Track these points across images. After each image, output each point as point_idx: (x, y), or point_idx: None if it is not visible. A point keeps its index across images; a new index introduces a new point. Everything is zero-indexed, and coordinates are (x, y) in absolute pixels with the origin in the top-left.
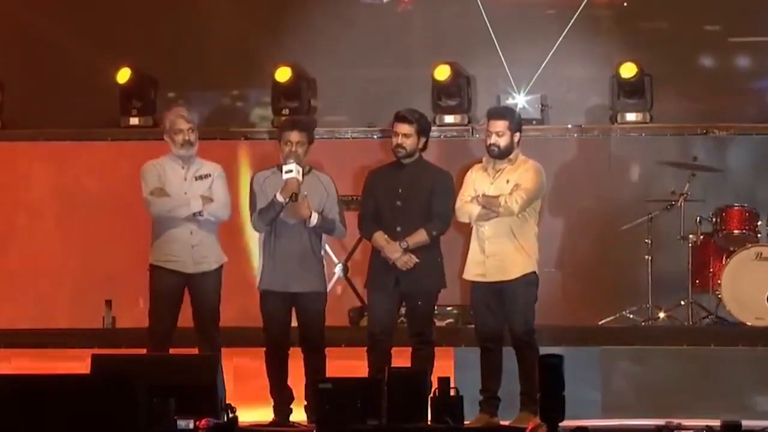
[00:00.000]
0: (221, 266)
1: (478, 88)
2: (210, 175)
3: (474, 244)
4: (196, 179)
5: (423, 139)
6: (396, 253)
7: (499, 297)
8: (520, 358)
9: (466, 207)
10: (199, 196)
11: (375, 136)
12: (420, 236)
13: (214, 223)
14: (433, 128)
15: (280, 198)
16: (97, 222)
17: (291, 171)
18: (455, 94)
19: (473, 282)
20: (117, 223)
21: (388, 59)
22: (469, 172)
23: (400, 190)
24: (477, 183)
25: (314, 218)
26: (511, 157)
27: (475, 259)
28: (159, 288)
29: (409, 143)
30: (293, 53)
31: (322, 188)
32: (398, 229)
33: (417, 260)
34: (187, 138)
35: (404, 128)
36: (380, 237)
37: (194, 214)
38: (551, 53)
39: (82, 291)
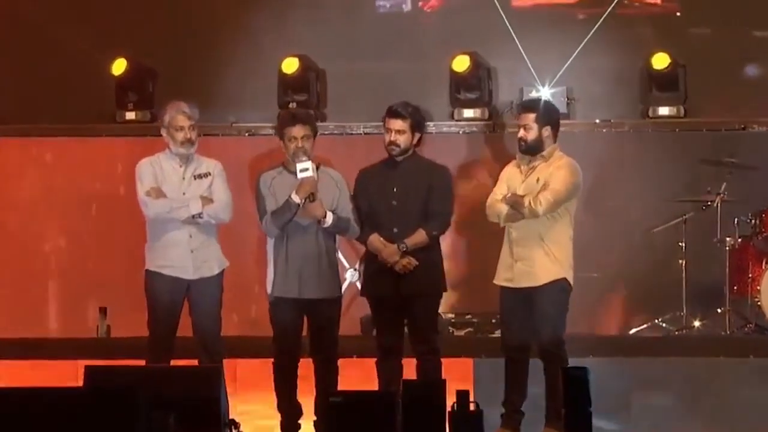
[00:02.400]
0: (223, 271)
1: (499, 81)
2: (210, 174)
3: (505, 247)
4: (195, 178)
5: (417, 135)
6: (394, 256)
7: (527, 304)
8: (546, 370)
9: (496, 206)
10: (199, 197)
11: None
12: (419, 237)
13: (214, 224)
14: (451, 123)
15: (296, 199)
16: (91, 223)
17: (307, 169)
18: (475, 86)
19: (502, 287)
20: (112, 224)
21: (404, 49)
22: (505, 168)
23: (395, 189)
24: (510, 180)
25: (329, 218)
26: (544, 153)
27: (505, 263)
28: (158, 296)
29: (403, 140)
30: (301, 43)
31: (334, 185)
32: (395, 230)
33: (416, 263)
34: (188, 136)
35: (397, 124)
36: (376, 240)
37: (193, 216)
38: (582, 45)
39: (75, 297)
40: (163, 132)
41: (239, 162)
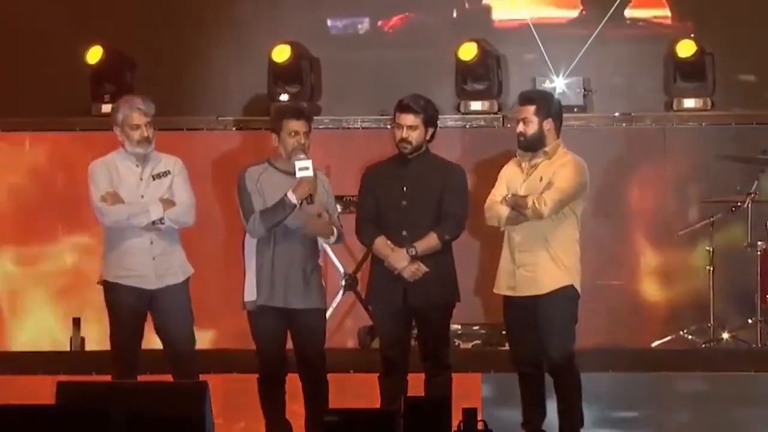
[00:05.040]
0: (188, 278)
1: (510, 70)
2: (169, 172)
3: (505, 253)
4: (153, 178)
5: (431, 130)
6: (402, 261)
7: (533, 314)
8: (556, 385)
9: (495, 208)
10: (159, 200)
11: (389, 126)
12: (430, 241)
13: (176, 229)
14: (457, 116)
15: (292, 199)
16: (63, 225)
17: (307, 168)
18: (483, 76)
19: (505, 296)
20: (87, 226)
21: (405, 36)
22: (504, 168)
23: (405, 189)
24: (510, 180)
25: (335, 234)
26: (547, 149)
27: (506, 270)
28: (119, 308)
29: (415, 136)
30: (293, 29)
31: (322, 188)
32: (404, 233)
33: (426, 269)
34: (145, 134)
35: (409, 119)
36: (382, 243)
37: (154, 222)
38: (597, 30)
39: (46, 306)
40: (117, 131)
41: (226, 159)
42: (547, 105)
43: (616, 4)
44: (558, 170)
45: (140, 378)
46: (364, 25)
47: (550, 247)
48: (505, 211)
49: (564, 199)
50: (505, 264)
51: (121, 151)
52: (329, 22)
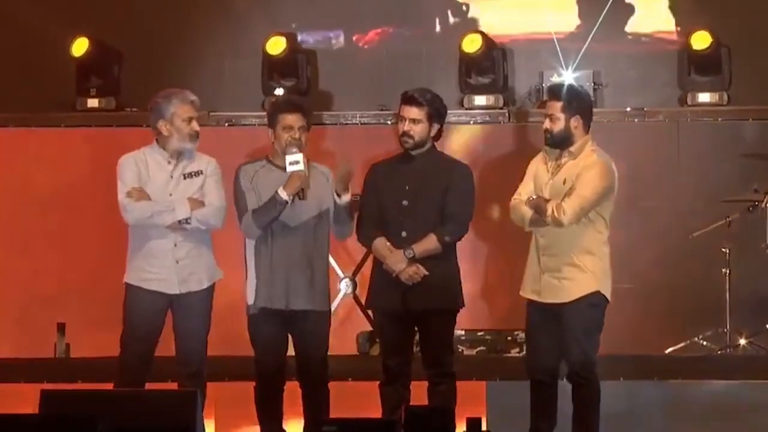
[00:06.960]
0: (213, 285)
1: (516, 63)
2: (202, 172)
3: (531, 255)
4: (184, 177)
5: (436, 126)
6: (400, 263)
7: (556, 321)
8: (575, 395)
9: (520, 208)
10: (187, 199)
11: (389, 122)
12: (429, 243)
13: (205, 231)
14: (461, 111)
15: (283, 195)
16: (48, 226)
17: (297, 162)
18: (488, 69)
19: (528, 300)
20: (73, 227)
21: (405, 27)
22: (531, 163)
23: (407, 187)
24: (536, 178)
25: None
26: (572, 149)
27: (532, 273)
28: (136, 312)
29: (418, 130)
30: (288, 20)
31: (325, 181)
32: (404, 234)
33: (426, 273)
34: (196, 129)
35: (413, 112)
36: (381, 244)
37: (180, 221)
38: (601, 17)
39: (29, 311)
40: (161, 125)
41: (218, 156)
42: (576, 101)
43: (609, 4)
44: (582, 173)
45: (148, 386)
46: (339, 40)
47: (574, 252)
48: (529, 212)
49: (586, 206)
50: (531, 267)
51: (154, 146)
52: (300, 37)
